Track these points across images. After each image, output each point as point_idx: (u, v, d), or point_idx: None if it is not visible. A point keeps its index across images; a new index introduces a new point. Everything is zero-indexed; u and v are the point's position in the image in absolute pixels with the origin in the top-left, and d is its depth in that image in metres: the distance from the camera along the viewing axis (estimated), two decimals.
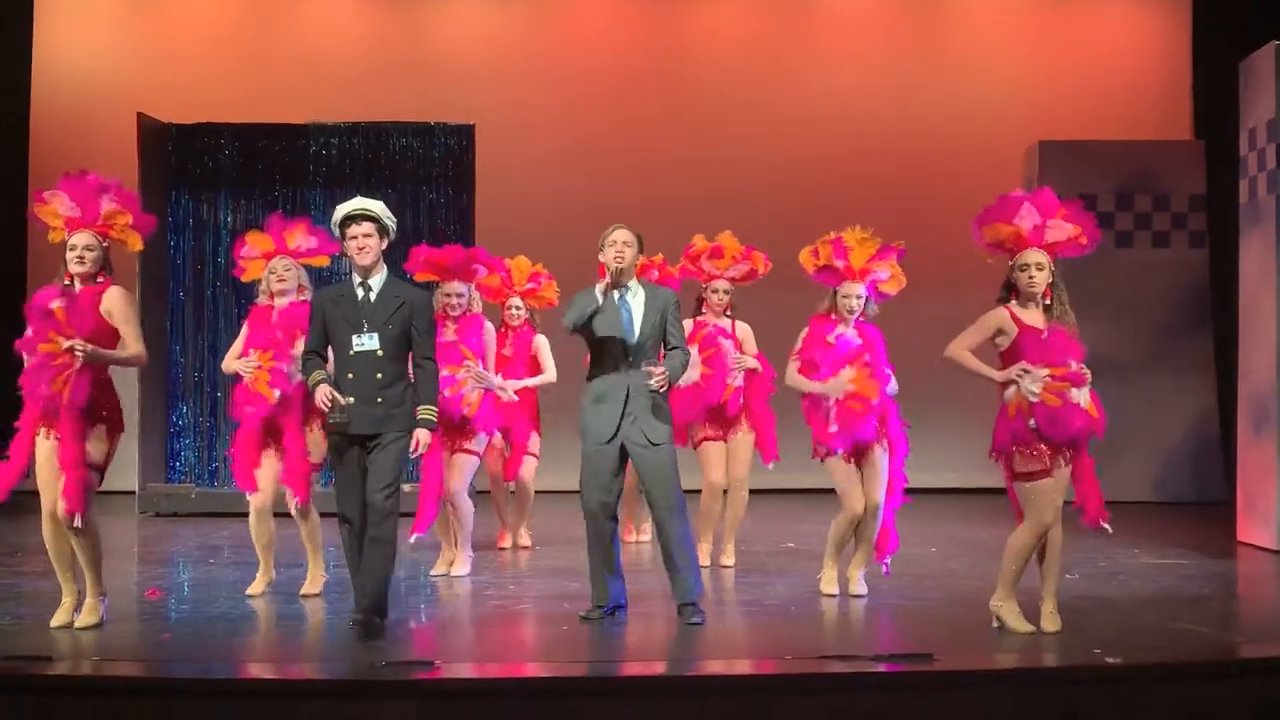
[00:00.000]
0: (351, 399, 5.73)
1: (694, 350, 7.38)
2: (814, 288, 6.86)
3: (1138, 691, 5.10)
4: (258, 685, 5.13)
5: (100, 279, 5.92)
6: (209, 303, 10.69)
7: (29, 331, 5.78)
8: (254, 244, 6.87)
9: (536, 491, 8.60)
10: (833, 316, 6.68)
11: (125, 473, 9.65)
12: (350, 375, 5.77)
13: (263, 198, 10.71)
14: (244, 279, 7.02)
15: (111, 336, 5.82)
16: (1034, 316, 5.83)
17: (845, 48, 12.14)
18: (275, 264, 6.75)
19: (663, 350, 6.25)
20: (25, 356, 5.77)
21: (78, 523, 5.71)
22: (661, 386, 5.97)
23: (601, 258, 6.13)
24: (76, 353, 5.67)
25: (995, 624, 5.89)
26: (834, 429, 6.52)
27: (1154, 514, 10.43)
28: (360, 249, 5.80)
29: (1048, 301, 5.81)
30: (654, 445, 6.04)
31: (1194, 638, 5.80)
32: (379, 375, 5.76)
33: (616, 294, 6.09)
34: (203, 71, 11.76)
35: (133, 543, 8.89)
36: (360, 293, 5.83)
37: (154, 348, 10.40)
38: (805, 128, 11.76)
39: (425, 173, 10.79)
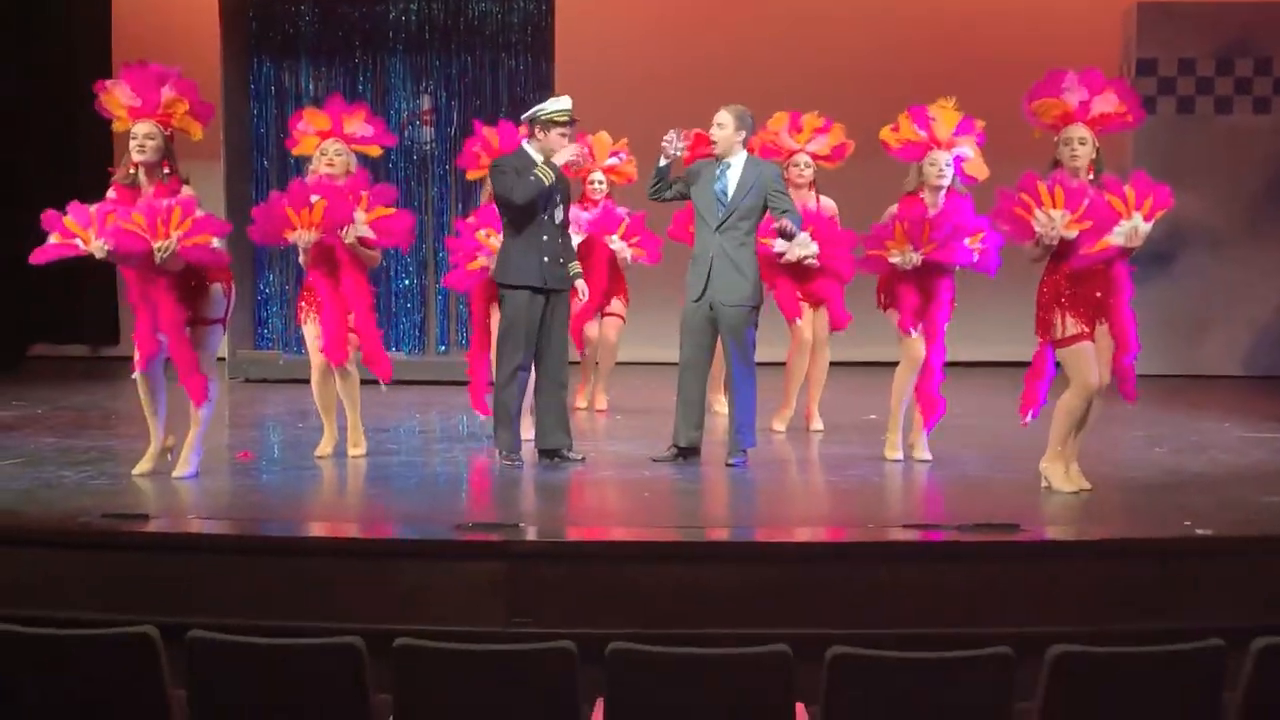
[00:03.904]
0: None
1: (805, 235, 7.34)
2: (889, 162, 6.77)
3: (1229, 564, 5.05)
4: (348, 544, 5.23)
5: (165, 170, 5.98)
6: (292, 170, 10.65)
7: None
8: (310, 121, 6.88)
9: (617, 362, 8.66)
10: (921, 195, 6.57)
11: None
12: (545, 239, 6.52)
13: (343, 65, 10.67)
14: (295, 152, 7.08)
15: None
16: None
17: None
18: (327, 145, 6.76)
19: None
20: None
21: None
22: (791, 235, 6.52)
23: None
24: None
25: (1044, 484, 6.01)
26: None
27: (1245, 388, 10.25)
28: (564, 146, 6.58)
29: (1091, 177, 5.77)
30: (729, 306, 6.51)
31: None
32: (560, 240, 6.60)
33: (718, 165, 6.60)
34: None
35: (224, 406, 9.05)
36: (552, 172, 6.53)
37: (239, 215, 10.50)
38: None
39: (504, 39, 10.67)
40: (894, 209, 6.59)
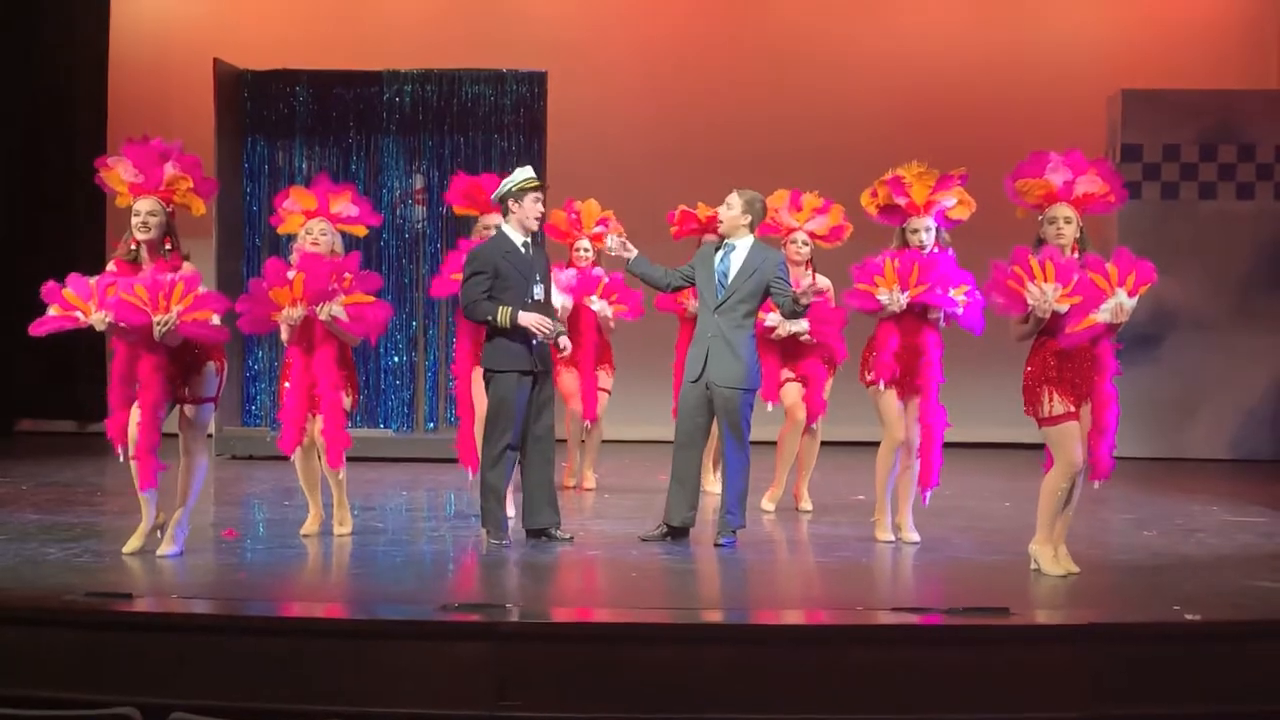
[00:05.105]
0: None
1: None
2: (880, 233, 6.84)
3: (1217, 649, 5.03)
4: (332, 625, 5.18)
5: (167, 246, 6.00)
6: (284, 249, 10.72)
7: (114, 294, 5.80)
8: (296, 199, 6.93)
9: (603, 440, 8.66)
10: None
11: None
12: None
13: (337, 145, 10.75)
14: (280, 230, 7.14)
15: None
16: None
17: None
18: (312, 225, 6.78)
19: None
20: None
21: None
22: (804, 306, 6.63)
23: None
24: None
25: (1033, 566, 6.01)
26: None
27: (1233, 471, 10.28)
28: (539, 216, 6.65)
29: (1076, 256, 5.85)
30: (723, 388, 6.56)
31: (1275, 595, 5.71)
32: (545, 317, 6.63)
33: (721, 247, 6.73)
34: (278, 17, 11.78)
35: (210, 484, 9.00)
36: (524, 250, 6.62)
37: (230, 293, 10.50)
38: (879, 76, 11.54)
39: (497, 120, 10.76)
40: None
